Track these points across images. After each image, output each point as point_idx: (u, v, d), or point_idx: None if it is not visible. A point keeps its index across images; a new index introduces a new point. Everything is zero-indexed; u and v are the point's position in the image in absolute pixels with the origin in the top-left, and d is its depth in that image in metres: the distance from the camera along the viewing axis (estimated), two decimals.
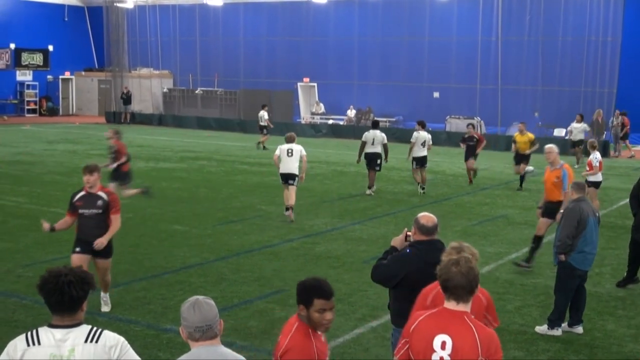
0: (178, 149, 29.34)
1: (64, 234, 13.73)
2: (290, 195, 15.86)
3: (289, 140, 16.82)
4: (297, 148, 16.49)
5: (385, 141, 20.01)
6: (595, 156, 16.62)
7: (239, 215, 15.84)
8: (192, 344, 3.92)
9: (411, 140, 20.55)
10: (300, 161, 16.34)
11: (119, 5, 45.75)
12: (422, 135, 20.45)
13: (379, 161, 19.57)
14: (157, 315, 9.08)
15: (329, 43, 41.86)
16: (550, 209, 12.06)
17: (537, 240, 12.22)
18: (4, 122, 41.35)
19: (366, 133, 20.14)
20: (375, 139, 19.84)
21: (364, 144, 19.84)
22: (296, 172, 16.15)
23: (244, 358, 3.97)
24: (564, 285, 9.08)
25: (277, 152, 16.72)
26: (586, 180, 15.60)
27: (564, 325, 9.11)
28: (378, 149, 19.74)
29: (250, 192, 18.95)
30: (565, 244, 8.96)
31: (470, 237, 14.21)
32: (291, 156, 16.32)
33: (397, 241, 6.36)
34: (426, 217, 6.20)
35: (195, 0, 44.46)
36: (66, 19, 49.35)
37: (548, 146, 12.56)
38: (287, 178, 16.12)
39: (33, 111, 46.50)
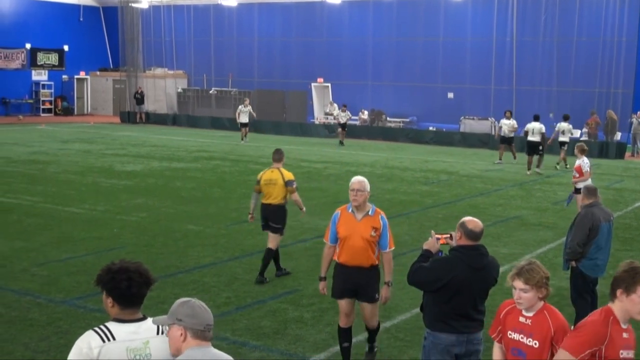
0: (192, 148, 29.41)
1: (79, 232, 13.84)
2: (245, 134, 32.82)
3: (244, 104, 33.37)
4: (247, 109, 33.12)
5: (543, 131, 24.39)
6: (585, 161, 15.46)
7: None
8: (186, 344, 3.82)
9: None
10: (249, 114, 33.31)
11: (134, 5, 45.91)
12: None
13: (540, 147, 23.93)
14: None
15: (343, 43, 41.86)
16: (354, 279, 7.43)
17: (345, 334, 7.70)
18: (19, 121, 41.61)
19: (528, 125, 24.74)
20: (534, 129, 24.29)
21: (526, 133, 24.61)
22: (246, 120, 33.10)
23: (231, 358, 3.89)
24: (579, 294, 9.01)
25: (238, 110, 33.46)
26: (575, 188, 14.83)
27: None
28: (537, 137, 24.00)
29: None
30: (575, 252, 8.85)
31: (484, 238, 14.06)
32: (243, 113, 32.91)
33: (430, 244, 6.22)
34: (474, 222, 6.04)
35: (209, 0, 44.57)
36: (81, 19, 49.58)
37: (358, 180, 7.67)
38: (242, 125, 32.94)
39: (48, 111, 46.74)
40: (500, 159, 27.05)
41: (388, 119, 39.33)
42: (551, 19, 35.68)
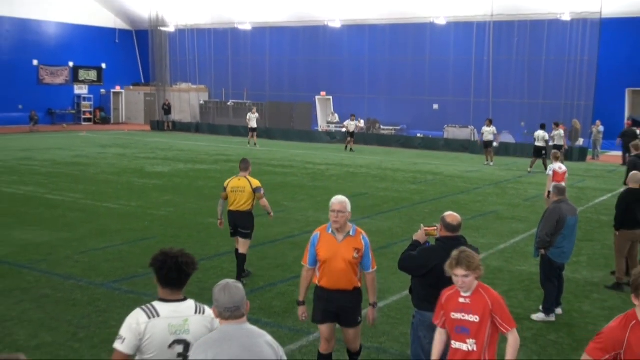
0: (213, 153, 29.42)
1: (115, 225, 13.87)
2: (253, 138, 32.34)
3: (252, 111, 32.92)
4: (255, 116, 32.56)
5: (547, 138, 24.98)
6: (551, 167, 15.28)
7: (264, 210, 15.80)
8: (221, 322, 3.89)
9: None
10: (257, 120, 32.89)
11: (162, 29, 45.94)
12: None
13: (543, 152, 24.58)
14: (194, 296, 8.95)
15: (343, 61, 41.84)
16: (336, 303, 6.27)
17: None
18: (63, 129, 41.65)
19: (535, 133, 25.56)
20: (538, 136, 25.05)
21: (534, 139, 25.40)
22: (255, 126, 32.28)
23: (267, 333, 3.94)
24: (547, 277, 9.02)
25: (248, 117, 32.92)
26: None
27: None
28: (541, 143, 24.86)
29: (275, 190, 18.95)
30: (544, 241, 8.88)
31: (465, 230, 14.04)
32: (252, 120, 32.37)
33: (419, 236, 6.26)
34: (452, 216, 6.08)
35: (227, 24, 44.56)
36: (117, 41, 49.61)
37: (338, 200, 6.24)
38: (252, 129, 32.48)
39: (88, 120, 46.74)
40: (487, 161, 27.16)
41: (382, 126, 39.29)
42: (523, 40, 35.65)
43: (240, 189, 10.07)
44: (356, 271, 6.23)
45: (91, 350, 7.39)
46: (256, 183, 10.16)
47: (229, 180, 10.30)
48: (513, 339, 4.94)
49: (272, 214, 10.54)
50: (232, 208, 10.11)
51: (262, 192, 10.22)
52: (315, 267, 6.35)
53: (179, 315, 4.09)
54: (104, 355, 7.17)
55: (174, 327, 4.05)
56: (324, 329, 6.43)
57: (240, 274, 9.98)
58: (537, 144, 25.22)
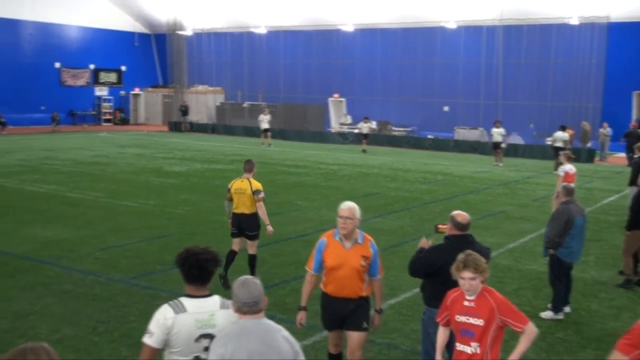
0: (228, 153, 29.46)
1: (133, 222, 13.91)
2: (268, 138, 32.09)
3: (264, 113, 32.99)
4: (267, 117, 32.49)
5: (566, 139, 25.85)
6: (563, 168, 14.96)
7: (278, 209, 15.80)
8: (240, 317, 3.91)
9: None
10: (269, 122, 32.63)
11: (180, 32, 46.10)
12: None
13: (558, 151, 23.12)
14: (211, 291, 9.10)
15: (356, 64, 41.78)
16: (342, 310, 6.01)
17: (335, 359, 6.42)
18: (84, 130, 41.88)
19: (554, 134, 26.56)
20: (556, 137, 26.10)
21: (553, 141, 26.46)
22: (267, 127, 32.15)
23: (283, 328, 3.94)
24: (556, 276, 8.95)
25: (260, 118, 32.53)
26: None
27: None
28: (560, 144, 25.49)
29: (288, 189, 18.97)
30: (553, 241, 8.81)
31: (474, 229, 13.97)
32: (263, 121, 32.31)
33: (423, 243, 6.23)
34: (461, 215, 6.03)
35: (243, 28, 44.64)
36: (136, 44, 49.82)
37: (347, 206, 6.04)
38: (264, 130, 32.23)
39: (108, 121, 46.97)
40: (496, 161, 27.04)
41: (393, 128, 39.20)
42: (532, 43, 35.45)
43: (242, 190, 9.68)
44: (363, 279, 5.97)
45: (111, 344, 7.41)
46: (257, 185, 9.70)
47: (232, 181, 9.92)
48: (529, 330, 4.78)
49: (269, 226, 9.73)
50: (236, 211, 9.73)
51: (261, 195, 9.68)
52: (319, 273, 6.13)
53: (204, 311, 4.12)
54: (123, 349, 7.20)
55: (200, 322, 4.09)
56: (331, 335, 6.29)
57: (254, 273, 9.85)
58: (555, 144, 25.60)
